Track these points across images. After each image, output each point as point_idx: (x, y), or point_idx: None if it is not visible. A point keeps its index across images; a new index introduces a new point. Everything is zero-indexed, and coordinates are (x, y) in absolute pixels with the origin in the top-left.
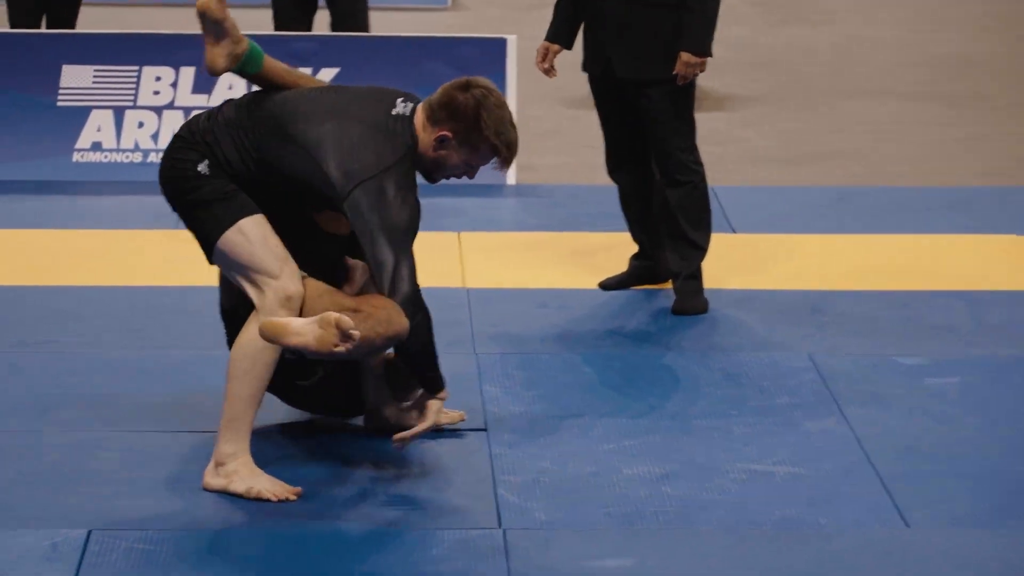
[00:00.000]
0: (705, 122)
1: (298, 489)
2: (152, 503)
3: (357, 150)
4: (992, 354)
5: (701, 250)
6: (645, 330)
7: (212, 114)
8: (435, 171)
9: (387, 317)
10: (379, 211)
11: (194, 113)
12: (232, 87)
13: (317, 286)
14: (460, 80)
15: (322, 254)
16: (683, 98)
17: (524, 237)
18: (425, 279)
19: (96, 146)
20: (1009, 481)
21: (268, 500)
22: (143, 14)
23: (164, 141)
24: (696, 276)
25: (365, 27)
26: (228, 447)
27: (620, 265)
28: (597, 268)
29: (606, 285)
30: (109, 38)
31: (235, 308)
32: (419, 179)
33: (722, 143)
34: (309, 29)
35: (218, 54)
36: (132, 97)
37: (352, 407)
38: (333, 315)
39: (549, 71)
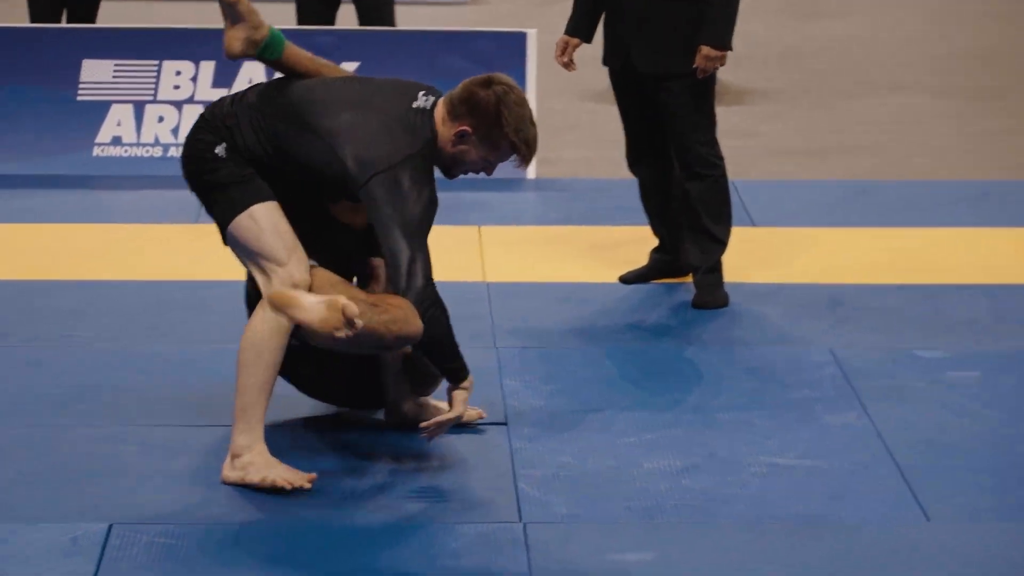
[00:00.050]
0: (725, 116)
1: (312, 475)
2: (172, 497)
3: (374, 141)
4: (1013, 348)
5: (721, 244)
6: (665, 324)
7: (236, 98)
8: (454, 166)
9: (403, 316)
10: (393, 203)
11: (220, 96)
12: (251, 81)
13: (329, 276)
14: (481, 76)
15: (337, 245)
16: (703, 92)
17: (544, 231)
18: (445, 273)
19: (116, 140)
20: None
21: (283, 488)
22: (163, 9)
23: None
24: (716, 270)
25: (391, 21)
26: (242, 438)
27: (640, 259)
28: (617, 262)
29: (626, 279)
30: (129, 33)
31: (260, 295)
32: (437, 174)
33: (742, 137)
34: (332, 23)
35: (234, 37)
36: (152, 91)
37: (372, 400)
38: (342, 300)
39: (568, 65)
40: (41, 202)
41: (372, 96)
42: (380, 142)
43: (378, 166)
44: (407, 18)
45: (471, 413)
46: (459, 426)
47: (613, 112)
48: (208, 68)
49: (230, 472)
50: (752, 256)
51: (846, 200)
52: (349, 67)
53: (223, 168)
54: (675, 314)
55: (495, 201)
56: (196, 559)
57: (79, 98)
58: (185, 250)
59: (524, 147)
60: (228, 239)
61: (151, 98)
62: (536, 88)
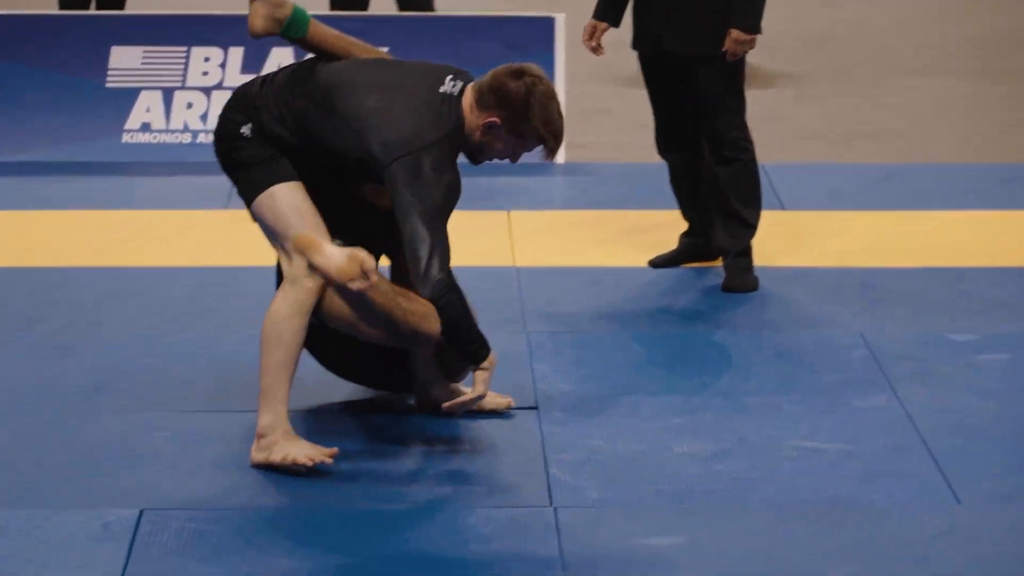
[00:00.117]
0: (755, 99)
1: (333, 450)
2: (203, 482)
3: (399, 126)
4: None
5: (751, 227)
6: (695, 308)
7: (267, 79)
8: (479, 154)
9: (424, 312)
10: (414, 188)
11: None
12: (280, 66)
13: None
14: (512, 67)
15: (363, 228)
16: (733, 75)
17: (573, 215)
18: (475, 258)
19: (145, 127)
20: None
21: (304, 464)
22: None
23: (213, 122)
24: (746, 253)
25: (430, 6)
26: (266, 418)
27: (670, 243)
28: (647, 246)
29: (656, 263)
30: (158, 19)
31: None
32: (461, 159)
33: (772, 120)
34: (365, 9)
35: (257, 14)
36: (181, 78)
37: (394, 383)
38: (361, 252)
39: (596, 49)
40: (71, 189)
41: (400, 80)
42: (404, 127)
43: (401, 150)
44: (437, 3)
45: (500, 401)
46: (489, 412)
47: (642, 96)
48: (237, 54)
49: (256, 454)
50: (782, 240)
51: (875, 183)
52: None
53: (248, 148)
54: (705, 298)
55: (524, 186)
56: (227, 544)
57: (108, 85)
58: (215, 236)
59: (552, 140)
60: (254, 218)
61: (180, 84)
62: (565, 73)
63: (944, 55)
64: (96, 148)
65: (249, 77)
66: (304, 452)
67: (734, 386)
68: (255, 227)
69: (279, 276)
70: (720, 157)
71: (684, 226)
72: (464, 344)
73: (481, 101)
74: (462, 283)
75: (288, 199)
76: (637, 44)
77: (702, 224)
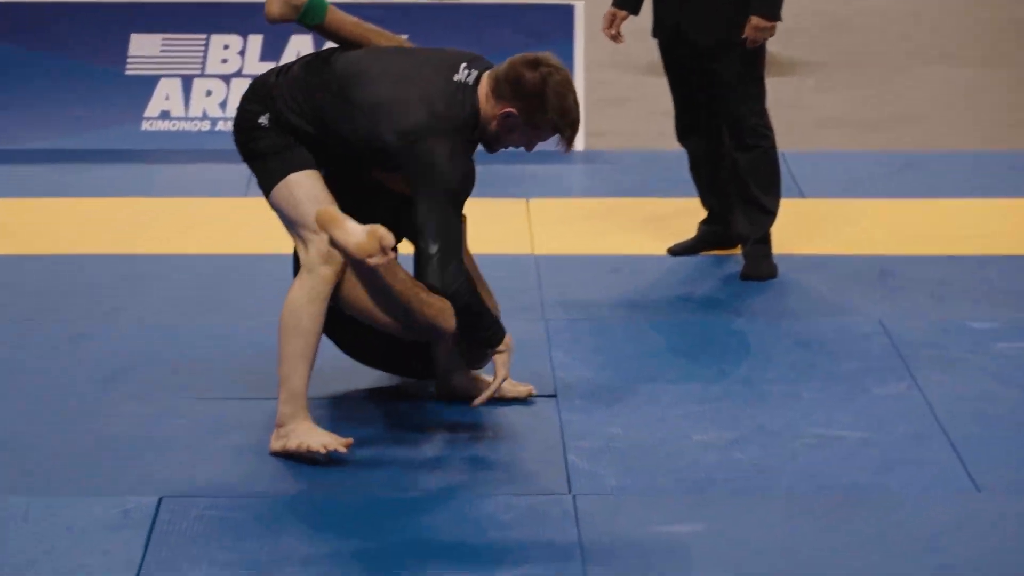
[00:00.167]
0: (775, 87)
1: (349, 440)
2: (222, 470)
3: (413, 115)
4: None
5: (771, 215)
6: (714, 296)
7: (284, 69)
8: (494, 142)
9: (441, 307)
10: (427, 177)
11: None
12: (299, 54)
13: None
14: (529, 56)
15: (379, 217)
16: (753, 63)
17: (592, 203)
18: (494, 246)
19: (164, 115)
20: None
21: (319, 452)
22: None
23: (232, 109)
24: (765, 241)
25: None
26: (285, 407)
27: (689, 231)
28: (666, 234)
29: (675, 250)
30: (177, 7)
31: None
32: (479, 148)
33: (792, 108)
34: None
35: (273, 0)
36: (200, 65)
37: (411, 369)
38: (381, 229)
39: (616, 37)
40: (90, 177)
41: (415, 69)
42: (419, 115)
43: (415, 138)
44: None
45: (521, 389)
46: (509, 400)
47: (662, 84)
48: (256, 42)
49: (275, 442)
50: (801, 227)
51: (895, 171)
52: None
53: (266, 138)
54: (724, 286)
55: (543, 174)
56: (246, 532)
57: (127, 72)
58: (234, 224)
59: (568, 130)
60: (272, 207)
61: (199, 72)
62: (584, 60)
63: (962, 42)
64: (115, 136)
65: (268, 65)
66: (320, 440)
67: (753, 374)
68: (274, 215)
69: (296, 264)
70: (740, 144)
71: (703, 214)
72: (478, 330)
73: (497, 91)
74: (481, 271)
75: (305, 187)
76: (657, 32)
77: (722, 211)
